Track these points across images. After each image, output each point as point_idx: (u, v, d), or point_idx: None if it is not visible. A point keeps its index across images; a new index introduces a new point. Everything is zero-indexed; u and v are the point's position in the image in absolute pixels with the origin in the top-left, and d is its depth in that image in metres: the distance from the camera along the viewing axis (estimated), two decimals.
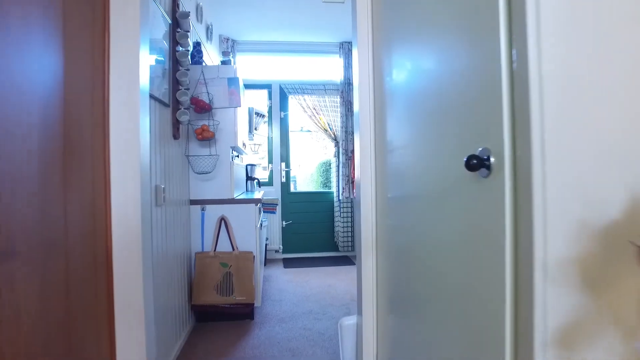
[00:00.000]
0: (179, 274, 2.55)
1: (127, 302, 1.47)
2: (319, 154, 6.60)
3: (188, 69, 2.48)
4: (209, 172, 2.82)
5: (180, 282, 2.61)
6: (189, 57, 2.52)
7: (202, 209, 2.93)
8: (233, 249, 2.92)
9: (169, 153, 2.36)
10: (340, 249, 5.29)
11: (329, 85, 5.26)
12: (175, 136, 2.45)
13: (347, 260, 5.04)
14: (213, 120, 2.87)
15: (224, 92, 2.94)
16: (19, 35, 0.99)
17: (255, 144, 7.63)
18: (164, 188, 2.14)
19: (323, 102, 5.25)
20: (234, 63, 5.00)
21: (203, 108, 2.74)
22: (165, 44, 2.28)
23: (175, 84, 2.44)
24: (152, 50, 2.00)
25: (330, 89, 5.26)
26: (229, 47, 4.96)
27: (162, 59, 2.22)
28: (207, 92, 2.82)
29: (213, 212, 2.94)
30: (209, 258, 2.85)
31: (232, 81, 2.95)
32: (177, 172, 2.55)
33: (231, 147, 3.02)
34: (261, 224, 3.56)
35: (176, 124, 2.44)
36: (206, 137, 2.75)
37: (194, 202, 2.93)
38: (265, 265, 4.80)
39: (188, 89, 2.50)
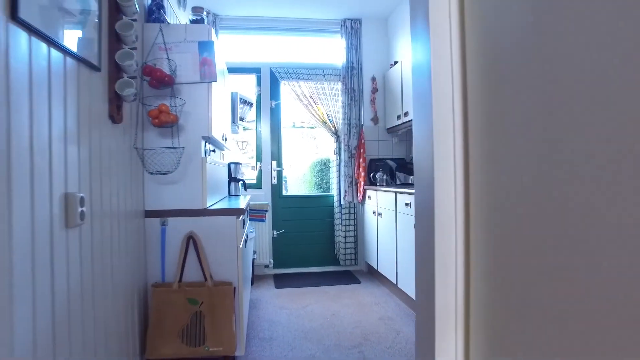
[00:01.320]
0: (120, 318, 1.73)
1: None
2: (313, 153, 5.81)
3: (134, 19, 1.66)
4: (170, 172, 2.00)
5: (125, 329, 1.79)
6: (137, 4, 1.69)
7: (163, 224, 2.11)
8: (205, 279, 2.11)
9: (102, 143, 1.54)
10: (341, 262, 4.49)
11: (329, 69, 4.46)
12: (115, 118, 1.63)
13: (351, 277, 4.24)
14: (176, 99, 2.04)
15: (193, 61, 2.12)
16: None
17: (242, 141, 6.82)
18: (82, 198, 1.32)
19: (321, 89, 4.45)
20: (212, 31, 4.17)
21: (161, 81, 1.92)
22: None
23: (115, 40, 1.61)
24: None
25: (330, 74, 4.46)
26: (210, 24, 4.12)
27: None
28: (169, 60, 2.00)
29: (178, 228, 2.12)
30: (171, 292, 2.03)
31: (205, 46, 2.13)
32: (119, 171, 1.72)
33: (203, 137, 2.20)
34: (246, 239, 2.74)
35: (115, 99, 1.61)
36: (165, 123, 1.93)
37: (150, 213, 2.11)
38: (252, 284, 3.98)
39: (135, 49, 1.68)
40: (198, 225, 2.14)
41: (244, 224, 2.46)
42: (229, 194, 3.71)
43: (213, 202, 2.43)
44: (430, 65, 1.01)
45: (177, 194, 2.14)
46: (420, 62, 1.09)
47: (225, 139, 2.94)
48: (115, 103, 1.61)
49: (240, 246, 2.20)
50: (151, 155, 1.97)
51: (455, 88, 0.96)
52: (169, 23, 2.12)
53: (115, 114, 1.61)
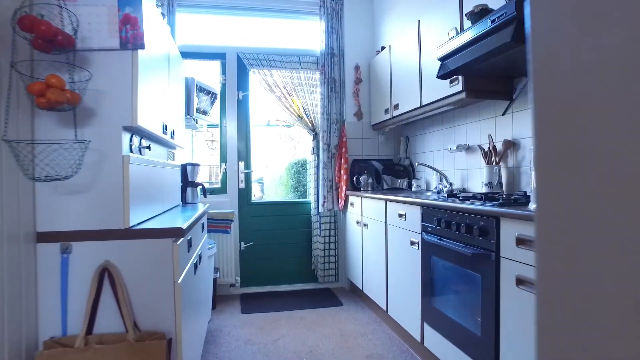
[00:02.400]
0: None
1: None
2: (291, 154, 5.24)
3: None
4: (66, 177, 1.36)
5: None
6: None
7: (64, 251, 1.46)
8: (127, 330, 1.47)
9: None
10: (320, 279, 3.89)
11: (306, 56, 3.86)
12: None
13: (331, 297, 3.63)
14: (82, 71, 1.40)
15: (110, 19, 1.48)
16: None
17: (211, 140, 6.15)
18: None
19: (297, 79, 3.84)
20: (172, 22, 3.51)
21: (51, 40, 1.28)
22: None
23: None
24: None
25: (307, 62, 3.85)
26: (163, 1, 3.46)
27: None
28: (63, 8, 1.35)
29: (87, 257, 1.48)
30: (72, 353, 1.38)
31: None
32: None
33: (126, 128, 1.56)
34: (196, 263, 2.11)
35: None
36: (55, 103, 1.28)
37: (45, 237, 1.45)
38: (214, 308, 3.34)
39: None
40: (117, 252, 1.50)
41: (189, 246, 1.83)
42: (185, 202, 3.06)
43: (147, 216, 1.79)
44: None
45: (86, 209, 1.49)
46: None
47: (173, 133, 2.30)
48: None
49: (180, 280, 1.57)
50: (40, 153, 1.32)
51: None
52: None
53: None
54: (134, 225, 1.57)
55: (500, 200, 1.70)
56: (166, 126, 2.09)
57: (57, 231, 1.46)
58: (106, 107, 1.50)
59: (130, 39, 1.52)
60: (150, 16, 1.74)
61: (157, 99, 1.90)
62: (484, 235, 1.69)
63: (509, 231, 1.54)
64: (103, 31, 1.49)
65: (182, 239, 1.62)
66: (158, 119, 1.92)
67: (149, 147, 1.86)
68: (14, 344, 1.29)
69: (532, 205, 1.47)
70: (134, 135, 1.69)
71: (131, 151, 1.65)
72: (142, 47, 1.53)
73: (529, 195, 1.92)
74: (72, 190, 1.46)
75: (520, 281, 1.48)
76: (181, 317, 1.57)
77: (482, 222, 1.70)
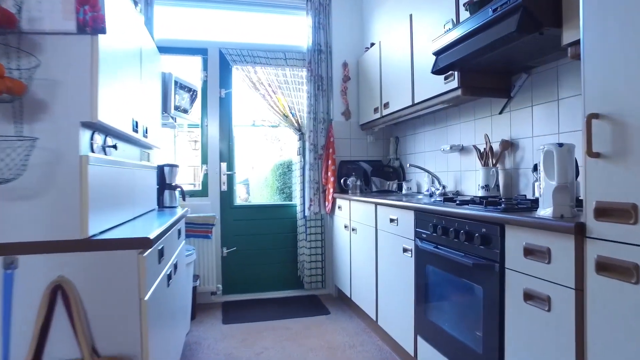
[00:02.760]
0: None
1: None
2: (277, 155, 5.06)
3: None
4: (7, 181, 1.16)
5: None
6: None
7: (8, 266, 1.26)
8: (83, 356, 1.27)
9: None
10: (306, 286, 3.71)
11: (292, 53, 3.69)
12: None
13: (318, 305, 3.46)
14: (25, 55, 1.20)
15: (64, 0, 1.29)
16: None
17: (195, 140, 5.93)
18: None
19: (282, 76, 3.67)
20: (150, 15, 3.30)
21: None
22: None
23: None
24: None
25: (293, 59, 3.68)
26: None
27: None
28: None
29: (36, 273, 1.28)
30: None
31: None
32: None
33: (85, 124, 1.36)
34: (169, 274, 1.92)
35: None
36: None
37: None
38: (194, 318, 3.14)
39: None
40: (73, 266, 1.30)
41: (160, 256, 1.64)
42: (162, 206, 2.86)
43: (112, 224, 1.59)
44: None
45: (36, 217, 1.29)
46: None
47: (146, 131, 2.10)
48: None
49: (147, 297, 1.38)
50: None
51: None
52: None
53: None
54: (94, 235, 1.37)
55: (504, 206, 1.55)
56: (137, 123, 1.89)
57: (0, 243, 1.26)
58: (61, 99, 1.31)
59: (90, 21, 1.33)
60: (116, 0, 1.55)
61: (125, 94, 1.71)
62: (486, 244, 1.54)
63: (515, 240, 1.39)
64: (56, 11, 1.29)
65: (151, 249, 1.43)
66: (127, 115, 1.73)
67: (115, 146, 1.66)
68: None
69: (540, 211, 1.32)
70: (96, 133, 1.49)
71: (92, 150, 1.45)
72: (103, 32, 1.34)
73: (532, 200, 1.78)
74: (18, 195, 1.26)
75: (528, 296, 1.33)
76: (148, 338, 1.38)
77: (484, 230, 1.55)
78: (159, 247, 1.62)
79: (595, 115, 1.06)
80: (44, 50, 1.29)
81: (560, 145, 1.27)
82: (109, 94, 1.47)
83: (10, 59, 1.18)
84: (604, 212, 1.05)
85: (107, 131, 1.60)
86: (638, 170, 0.96)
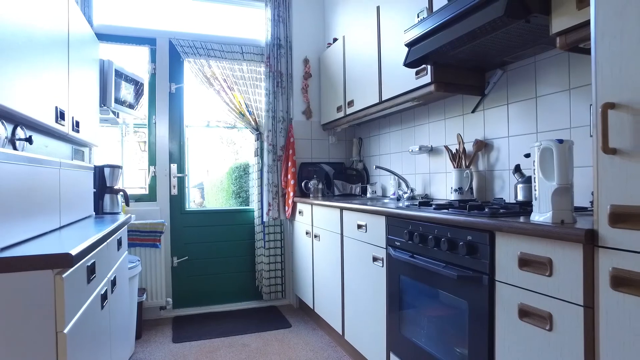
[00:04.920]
0: None
1: None
2: (231, 157, 4.79)
3: None
4: None
5: None
6: None
7: None
8: None
9: None
10: (265, 296, 3.45)
11: (249, 47, 3.43)
12: None
13: (277, 316, 3.21)
14: None
15: None
16: None
17: (144, 141, 5.51)
18: None
19: (239, 71, 3.41)
20: None
21: None
22: None
23: None
24: None
25: (250, 53, 3.43)
26: None
27: None
28: None
29: None
30: None
31: None
32: None
33: None
34: (110, 286, 1.61)
35: None
36: None
37: None
38: (139, 337, 2.80)
39: None
40: None
41: (90, 274, 1.34)
42: (102, 212, 2.52)
43: (23, 237, 1.28)
44: None
45: None
46: None
47: (76, 125, 1.78)
48: None
49: (67, 329, 1.09)
50: None
51: None
52: None
53: None
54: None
55: (490, 210, 1.39)
56: (62, 113, 1.58)
57: None
58: None
59: None
60: None
61: (44, 79, 1.40)
62: (472, 254, 1.37)
63: (507, 249, 1.23)
64: None
65: (74, 268, 1.14)
66: (46, 102, 1.42)
67: (29, 140, 1.35)
68: None
69: (536, 216, 1.17)
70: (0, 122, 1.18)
71: None
72: None
73: (515, 203, 1.64)
74: None
75: (524, 313, 1.17)
76: None
77: (470, 237, 1.38)
78: (88, 264, 1.32)
79: (612, 105, 0.91)
80: None
81: (560, 141, 1.12)
82: (15, 75, 1.17)
83: None
84: (620, 217, 0.90)
85: (17, 120, 1.28)
86: None
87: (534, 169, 1.19)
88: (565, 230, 1.02)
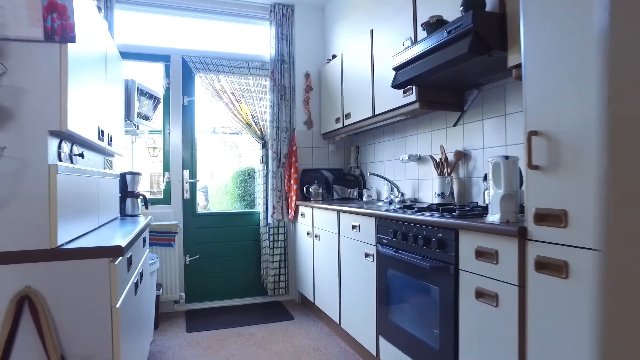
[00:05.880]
0: None
1: None
2: (236, 162, 5.08)
3: None
4: None
5: None
6: None
7: None
8: None
9: None
10: (269, 292, 3.75)
11: (255, 62, 3.74)
12: None
13: (281, 310, 3.51)
14: None
15: (31, 5, 1.29)
16: None
17: (153, 147, 5.81)
18: None
19: (246, 85, 3.71)
20: (111, 20, 3.26)
21: None
22: None
23: None
24: None
25: (256, 68, 3.74)
26: None
27: None
28: None
29: (1, 284, 1.26)
30: None
31: None
32: None
33: (53, 133, 1.37)
34: (137, 283, 1.91)
35: None
36: None
37: None
38: (156, 328, 3.09)
39: None
40: (42, 276, 1.30)
41: (129, 264, 1.64)
42: (124, 214, 2.82)
43: (79, 233, 1.58)
44: None
45: (1, 226, 1.28)
46: None
47: (110, 139, 2.09)
48: None
49: (118, 304, 1.39)
50: None
51: None
52: None
53: None
54: (62, 244, 1.37)
55: (458, 212, 1.69)
56: (102, 132, 1.89)
57: None
58: (28, 108, 1.31)
59: (58, 30, 1.34)
60: (84, 6, 1.56)
61: (91, 101, 1.71)
62: (442, 248, 1.67)
63: (467, 243, 1.53)
64: (22, 18, 1.30)
65: (121, 258, 1.44)
66: (93, 123, 1.73)
67: (81, 155, 1.66)
68: None
69: (489, 217, 1.46)
70: (63, 142, 1.49)
71: (60, 159, 1.45)
72: (73, 41, 1.36)
73: (483, 206, 1.93)
74: None
75: (480, 294, 1.46)
76: (120, 346, 1.39)
77: (440, 235, 1.68)
78: (128, 256, 1.63)
79: (535, 133, 1.21)
80: (8, 56, 1.29)
81: (506, 157, 1.41)
82: (77, 103, 1.47)
83: None
84: (541, 217, 1.19)
85: (73, 139, 1.59)
86: (567, 181, 1.11)
87: (489, 179, 1.48)
88: (506, 228, 1.31)
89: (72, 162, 1.57)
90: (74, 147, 1.61)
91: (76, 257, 1.33)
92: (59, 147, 1.45)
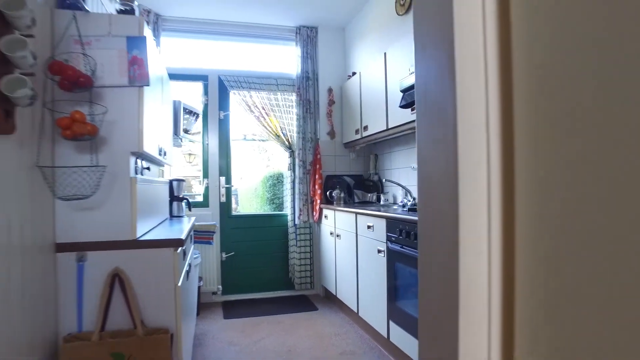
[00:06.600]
0: None
1: None
2: (264, 166, 5.50)
3: None
4: (86, 197, 1.60)
5: None
6: None
7: (80, 260, 1.70)
8: (135, 326, 1.71)
9: None
10: (296, 287, 4.16)
11: (283, 79, 4.18)
12: (3, 127, 1.23)
13: (307, 302, 3.91)
14: (96, 105, 1.66)
15: (120, 61, 1.75)
16: None
17: (189, 154, 6.34)
18: None
19: (274, 100, 4.15)
20: (156, 42, 3.77)
21: (74, 82, 1.53)
22: None
23: (3, 25, 1.22)
24: None
25: (283, 85, 4.17)
26: (151, 24, 3.72)
27: None
28: (86, 56, 1.62)
29: (100, 264, 1.71)
30: (90, 346, 1.61)
31: (136, 43, 1.77)
32: (11, 196, 1.32)
33: (133, 154, 1.82)
34: (188, 270, 2.35)
35: (3, 102, 1.22)
36: (79, 134, 1.54)
37: (63, 247, 1.69)
38: (198, 314, 3.55)
39: (31, 37, 1.29)
40: (126, 260, 1.74)
41: (184, 254, 2.08)
42: (171, 215, 3.29)
43: (147, 228, 2.04)
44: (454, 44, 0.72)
45: (99, 222, 1.73)
46: (433, 46, 0.79)
47: (165, 154, 2.55)
48: (3, 107, 1.21)
49: (179, 283, 1.83)
50: (61, 176, 1.57)
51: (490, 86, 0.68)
52: (87, 11, 1.74)
53: (2, 122, 1.21)
54: (139, 237, 1.82)
55: None
56: (161, 149, 2.34)
57: (74, 242, 1.70)
58: (117, 136, 1.76)
59: (137, 77, 1.79)
60: (152, 54, 2.01)
61: (154, 124, 2.16)
62: None
63: None
64: (114, 71, 1.75)
65: (180, 248, 1.88)
66: (156, 143, 2.18)
67: (148, 168, 2.11)
68: (41, 340, 1.51)
69: None
70: (137, 159, 1.94)
71: (136, 173, 1.90)
72: (147, 84, 1.81)
73: None
74: (87, 207, 1.70)
75: None
76: (180, 316, 1.82)
77: None
78: (183, 247, 2.06)
79: None
80: (105, 99, 1.75)
81: None
82: (148, 129, 1.92)
83: (87, 108, 1.63)
84: None
85: (143, 157, 2.05)
86: None
87: None
88: None
89: (142, 174, 2.02)
90: (142, 162, 2.06)
91: (150, 246, 1.77)
92: (135, 163, 1.90)
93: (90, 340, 1.62)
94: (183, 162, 5.99)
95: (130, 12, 1.89)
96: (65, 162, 1.66)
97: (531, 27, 0.60)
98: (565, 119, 0.53)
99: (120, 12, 1.90)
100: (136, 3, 1.91)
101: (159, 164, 2.59)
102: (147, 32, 1.84)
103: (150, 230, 2.09)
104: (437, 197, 0.72)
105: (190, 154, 6.22)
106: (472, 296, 0.63)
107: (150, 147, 1.98)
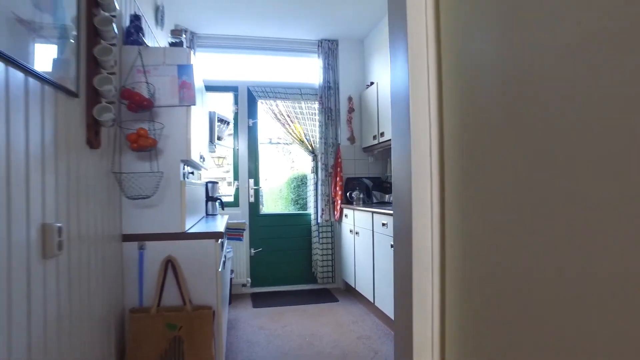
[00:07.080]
0: (97, 346, 1.69)
1: None
2: (289, 167, 5.83)
3: (114, 44, 1.66)
4: (148, 197, 1.98)
5: (102, 356, 1.75)
6: (115, 28, 1.70)
7: (141, 248, 2.08)
8: (184, 303, 2.08)
9: (80, 169, 1.53)
10: (319, 281, 4.50)
11: (306, 89, 4.53)
12: (93, 144, 1.62)
13: (328, 294, 4.24)
14: (155, 122, 2.04)
15: (172, 85, 2.13)
16: None
17: (219, 157, 6.77)
18: (60, 228, 1.30)
19: (299, 108, 4.51)
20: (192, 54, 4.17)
21: (140, 105, 1.92)
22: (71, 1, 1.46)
23: (93, 65, 1.61)
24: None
25: (307, 94, 4.52)
26: (187, 42, 4.13)
27: (65, 22, 1.40)
28: (147, 83, 2.00)
29: (156, 252, 2.10)
30: (149, 318, 2.00)
31: (184, 70, 2.14)
32: (96, 196, 1.70)
33: (182, 161, 2.19)
34: (224, 260, 2.72)
35: (94, 125, 1.60)
36: (143, 147, 1.92)
37: (128, 237, 2.08)
38: (230, 303, 3.94)
39: (114, 74, 1.68)
40: (177, 249, 2.12)
41: (222, 246, 2.45)
42: (207, 214, 3.68)
43: (192, 224, 2.42)
44: (408, 88, 1.04)
45: (156, 218, 2.11)
46: (398, 86, 1.10)
47: (204, 160, 2.93)
48: (94, 129, 1.60)
49: (220, 269, 2.19)
50: (129, 180, 1.95)
51: (432, 117, 1.00)
52: (147, 46, 2.13)
53: (93, 140, 1.60)
54: (188, 229, 2.19)
55: None
56: (202, 156, 2.73)
57: (136, 233, 2.09)
58: (170, 146, 2.14)
59: (186, 98, 2.16)
60: (198, 77, 2.39)
61: (197, 135, 2.54)
62: None
63: None
64: (168, 93, 2.13)
65: (220, 240, 2.24)
66: (198, 151, 2.56)
67: (192, 173, 2.49)
68: (112, 312, 1.90)
69: None
70: (184, 165, 2.32)
71: (183, 177, 2.28)
72: (194, 104, 2.18)
73: None
74: (146, 205, 2.09)
75: None
76: (220, 296, 2.18)
77: None
78: (221, 241, 2.43)
79: None
80: (161, 116, 2.13)
81: None
82: (194, 140, 2.30)
83: (148, 124, 2.02)
84: None
85: (188, 163, 2.43)
86: None
87: None
88: None
89: (187, 178, 2.40)
90: (187, 167, 2.44)
91: (197, 238, 2.14)
92: (183, 168, 2.28)
93: (149, 313, 2.00)
94: (212, 165, 6.41)
95: (179, 44, 2.28)
96: (128, 169, 2.05)
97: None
98: (476, 119, 0.86)
99: (171, 44, 2.28)
100: (183, 35, 2.29)
101: (198, 168, 2.98)
102: (194, 60, 2.22)
103: (194, 224, 2.47)
104: (401, 187, 1.05)
105: (219, 157, 6.66)
106: (422, 257, 0.96)
107: (195, 154, 2.36)
